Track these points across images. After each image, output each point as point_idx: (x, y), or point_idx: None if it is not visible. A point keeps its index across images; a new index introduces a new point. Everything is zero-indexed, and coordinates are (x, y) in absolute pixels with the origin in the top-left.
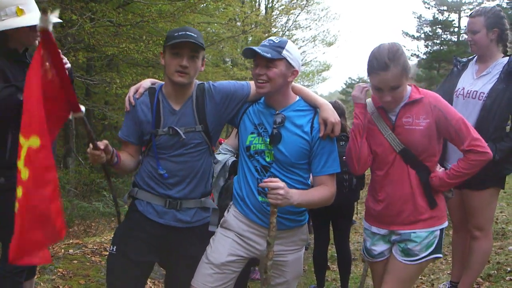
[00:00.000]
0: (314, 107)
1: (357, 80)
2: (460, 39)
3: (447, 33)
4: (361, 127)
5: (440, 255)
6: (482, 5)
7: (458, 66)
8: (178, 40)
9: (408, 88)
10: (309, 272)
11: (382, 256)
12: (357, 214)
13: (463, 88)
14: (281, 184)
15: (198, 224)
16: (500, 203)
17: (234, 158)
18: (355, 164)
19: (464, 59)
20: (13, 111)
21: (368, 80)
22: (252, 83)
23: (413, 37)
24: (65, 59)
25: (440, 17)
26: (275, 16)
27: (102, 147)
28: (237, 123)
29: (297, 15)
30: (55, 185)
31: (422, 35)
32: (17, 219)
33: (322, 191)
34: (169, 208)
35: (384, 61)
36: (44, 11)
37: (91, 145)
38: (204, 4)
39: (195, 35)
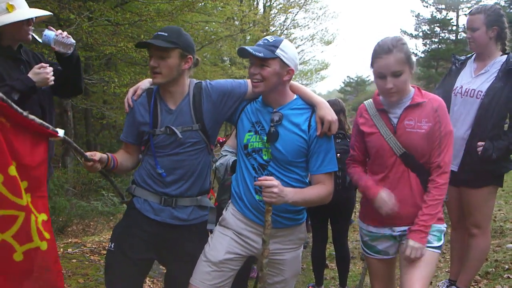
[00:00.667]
0: (311, 106)
1: (356, 78)
2: (458, 37)
3: (445, 31)
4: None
5: (440, 252)
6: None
7: (457, 65)
8: (142, 42)
9: (412, 89)
10: (308, 271)
11: (386, 255)
12: (355, 213)
13: (461, 87)
14: (275, 182)
15: (195, 222)
16: (498, 201)
17: (234, 158)
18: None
19: (463, 57)
20: None
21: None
22: (249, 81)
23: (411, 35)
24: (64, 33)
25: (438, 16)
26: (273, 15)
27: (96, 158)
28: (235, 121)
29: (295, 14)
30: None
31: (420, 34)
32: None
33: (319, 190)
34: (165, 205)
35: (387, 46)
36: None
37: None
38: (202, 3)
39: (166, 34)
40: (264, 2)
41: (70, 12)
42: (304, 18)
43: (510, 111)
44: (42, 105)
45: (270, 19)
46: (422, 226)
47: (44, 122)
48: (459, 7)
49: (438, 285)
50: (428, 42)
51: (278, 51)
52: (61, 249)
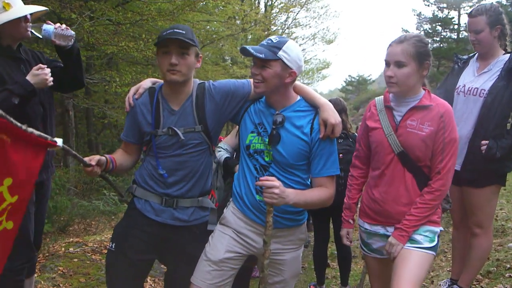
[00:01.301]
0: (314, 108)
1: (357, 77)
2: (460, 36)
3: (447, 30)
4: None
5: (435, 253)
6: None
7: (459, 64)
8: (163, 37)
9: (422, 91)
10: (309, 270)
11: (380, 254)
12: (357, 212)
13: (464, 85)
14: (276, 183)
15: (196, 223)
16: (500, 200)
17: (227, 155)
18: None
19: (465, 57)
20: (9, 114)
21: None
22: (252, 81)
23: None
24: (63, 26)
25: (440, 15)
26: (274, 14)
27: (93, 163)
28: (238, 122)
29: (297, 13)
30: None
31: (422, 33)
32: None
33: (320, 192)
34: (166, 206)
35: (402, 37)
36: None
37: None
38: (204, 3)
39: (184, 32)
40: (266, 1)
41: (72, 12)
42: (305, 17)
43: None
44: (43, 104)
45: (272, 18)
46: (405, 225)
47: (42, 134)
48: (461, 6)
49: (440, 284)
50: (429, 41)
51: (280, 53)
52: (63, 248)
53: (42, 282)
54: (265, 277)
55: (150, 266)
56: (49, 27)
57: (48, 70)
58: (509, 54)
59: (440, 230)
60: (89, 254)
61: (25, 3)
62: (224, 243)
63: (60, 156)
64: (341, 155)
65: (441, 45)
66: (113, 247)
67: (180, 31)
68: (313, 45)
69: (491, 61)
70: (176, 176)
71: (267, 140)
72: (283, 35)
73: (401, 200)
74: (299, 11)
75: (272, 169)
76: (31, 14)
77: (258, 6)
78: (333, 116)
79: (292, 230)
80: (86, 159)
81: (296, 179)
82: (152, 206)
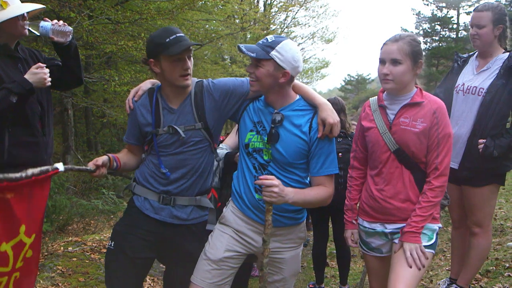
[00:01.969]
0: (313, 107)
1: (356, 77)
2: (459, 35)
3: (446, 29)
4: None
5: (434, 251)
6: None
7: (459, 62)
8: (180, 48)
9: (414, 89)
10: (308, 269)
11: (379, 252)
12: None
13: (463, 84)
14: (276, 182)
15: (194, 222)
16: (499, 200)
17: (229, 151)
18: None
19: (465, 55)
20: (8, 113)
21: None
22: None
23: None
24: (60, 22)
25: (439, 14)
26: (273, 13)
27: (99, 163)
28: (238, 120)
29: (296, 12)
30: None
31: (421, 32)
32: None
33: (319, 191)
34: (163, 203)
35: (397, 36)
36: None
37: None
38: (203, 1)
39: (183, 35)
40: (265, 0)
41: (71, 11)
42: (304, 16)
43: None
44: (41, 102)
45: (271, 17)
46: (414, 227)
47: (43, 168)
48: (460, 5)
49: (439, 284)
50: (428, 40)
51: (273, 53)
52: (62, 248)
53: (41, 281)
54: (265, 276)
55: (149, 265)
56: (46, 23)
57: (47, 70)
58: (508, 53)
59: (439, 227)
60: (88, 253)
61: (22, 1)
62: (223, 242)
63: (59, 155)
64: (340, 154)
65: (440, 44)
66: (113, 245)
67: (183, 35)
68: (312, 44)
69: (490, 60)
70: (177, 174)
71: (266, 138)
72: (282, 34)
73: (399, 196)
74: (298, 10)
75: (270, 167)
76: (28, 12)
77: (257, 5)
78: (332, 116)
79: (291, 228)
80: (89, 164)
81: (295, 178)
82: (151, 204)
